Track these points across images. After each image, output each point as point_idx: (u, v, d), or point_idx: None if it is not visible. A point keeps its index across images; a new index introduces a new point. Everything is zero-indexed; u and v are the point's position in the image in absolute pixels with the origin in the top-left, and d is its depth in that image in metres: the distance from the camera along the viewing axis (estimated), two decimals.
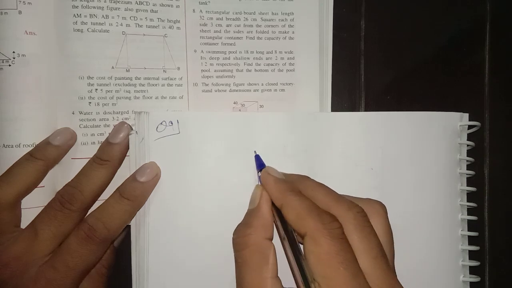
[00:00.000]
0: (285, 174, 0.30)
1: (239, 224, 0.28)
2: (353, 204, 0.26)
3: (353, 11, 0.39)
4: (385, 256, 0.25)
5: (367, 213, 0.26)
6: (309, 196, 0.27)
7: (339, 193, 0.28)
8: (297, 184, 0.28)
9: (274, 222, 0.28)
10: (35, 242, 0.29)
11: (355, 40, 0.39)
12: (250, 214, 0.28)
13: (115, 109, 0.34)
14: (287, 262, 0.27)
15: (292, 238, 0.27)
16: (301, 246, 0.26)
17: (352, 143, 0.35)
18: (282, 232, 0.27)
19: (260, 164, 0.32)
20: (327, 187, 0.28)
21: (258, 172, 0.31)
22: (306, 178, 0.30)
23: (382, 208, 0.28)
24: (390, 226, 0.28)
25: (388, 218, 0.28)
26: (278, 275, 0.26)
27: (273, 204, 0.28)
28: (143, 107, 0.35)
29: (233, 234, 0.28)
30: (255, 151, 0.33)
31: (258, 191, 0.29)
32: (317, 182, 0.29)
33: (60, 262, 0.29)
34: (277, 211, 0.28)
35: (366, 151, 0.35)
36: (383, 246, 0.26)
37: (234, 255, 0.28)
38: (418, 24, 0.40)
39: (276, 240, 0.28)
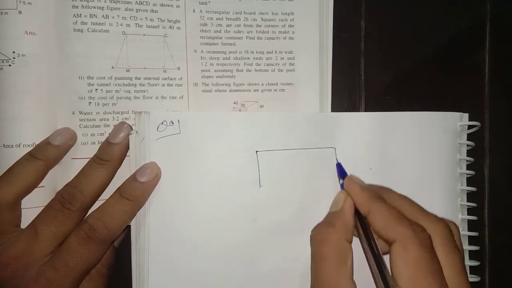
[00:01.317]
0: (366, 184, 0.31)
1: (319, 223, 0.29)
2: (439, 218, 0.28)
3: (353, 11, 0.39)
4: (466, 273, 0.26)
5: None
6: (394, 205, 0.28)
7: None
8: (380, 193, 0.29)
9: (356, 228, 0.29)
10: (35, 242, 0.29)
11: (355, 40, 0.39)
12: (333, 215, 0.29)
13: (115, 109, 0.34)
14: (368, 267, 0.28)
15: (374, 244, 0.28)
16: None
17: (352, 143, 0.35)
18: (364, 238, 0.28)
19: (342, 172, 0.33)
20: (410, 199, 0.29)
21: (340, 180, 0.32)
22: (389, 189, 0.31)
23: (457, 228, 0.29)
24: (462, 246, 0.29)
25: (461, 239, 0.29)
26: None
27: (356, 211, 0.29)
28: (143, 107, 0.34)
29: (312, 231, 0.29)
30: (336, 159, 0.34)
31: (342, 196, 0.30)
32: (400, 194, 0.30)
33: (60, 262, 0.29)
34: (359, 218, 0.29)
35: (366, 151, 0.35)
36: None
37: (312, 251, 0.29)
38: (418, 24, 0.40)
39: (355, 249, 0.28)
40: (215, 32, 0.36)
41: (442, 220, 0.28)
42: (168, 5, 0.35)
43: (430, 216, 0.28)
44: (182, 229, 0.32)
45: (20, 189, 0.30)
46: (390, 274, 0.26)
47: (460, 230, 0.36)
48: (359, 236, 0.29)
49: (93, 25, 0.33)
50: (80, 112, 0.33)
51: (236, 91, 0.37)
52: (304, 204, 0.34)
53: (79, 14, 0.33)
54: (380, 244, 0.28)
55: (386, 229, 0.27)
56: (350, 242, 0.28)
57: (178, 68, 0.36)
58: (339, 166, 0.34)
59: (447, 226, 0.27)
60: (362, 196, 0.29)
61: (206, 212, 0.33)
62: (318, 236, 0.28)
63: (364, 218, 0.29)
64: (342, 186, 0.32)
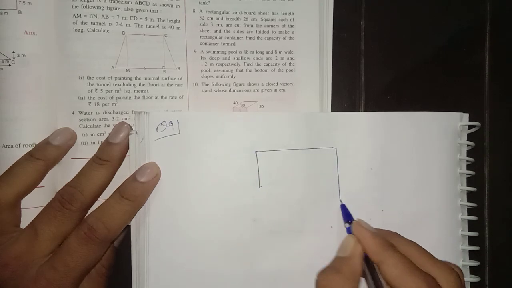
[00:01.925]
0: (376, 229, 0.31)
1: (326, 267, 0.29)
2: (450, 268, 0.27)
3: (353, 11, 0.39)
4: None
5: None
6: (404, 253, 0.28)
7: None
8: (389, 240, 0.29)
9: (365, 275, 0.29)
10: (35, 242, 0.29)
11: (355, 40, 0.39)
12: (340, 261, 0.29)
13: (115, 109, 0.34)
14: None
15: None
16: None
17: (352, 143, 0.35)
18: (373, 286, 0.28)
19: (347, 215, 0.32)
20: (419, 245, 0.29)
21: (345, 224, 0.32)
22: (397, 235, 0.30)
23: (462, 273, 0.29)
24: None
25: (464, 283, 0.29)
26: None
27: (366, 258, 0.29)
28: (143, 107, 0.34)
29: (318, 276, 0.28)
30: (340, 200, 0.34)
31: (351, 241, 0.29)
32: (408, 240, 0.30)
33: (60, 262, 0.29)
34: (368, 265, 0.28)
35: (366, 151, 0.35)
36: None
37: None
38: (418, 24, 0.40)
39: None
40: (215, 32, 0.36)
41: (452, 270, 0.27)
42: (168, 5, 0.35)
43: (440, 265, 0.28)
44: (182, 229, 0.32)
45: (20, 189, 0.30)
46: None
47: (460, 230, 0.36)
48: (367, 284, 0.29)
49: (93, 25, 0.33)
50: (80, 112, 0.33)
51: (236, 91, 0.37)
52: (304, 204, 0.34)
53: (79, 14, 0.33)
54: None
55: (399, 280, 0.26)
56: None
57: (178, 68, 0.36)
58: (343, 208, 0.33)
59: (458, 276, 0.27)
60: (374, 244, 0.28)
61: (206, 212, 0.33)
62: (324, 281, 0.28)
63: (374, 266, 0.28)
64: (348, 230, 0.31)
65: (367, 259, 0.29)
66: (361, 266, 0.28)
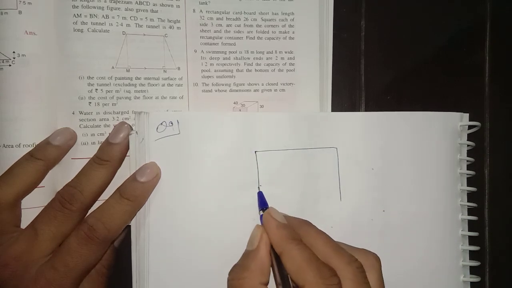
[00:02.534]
0: (286, 217, 0.30)
1: (235, 265, 0.28)
2: (352, 258, 0.27)
3: (353, 11, 0.39)
4: None
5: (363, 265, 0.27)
6: (309, 244, 0.27)
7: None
8: (298, 230, 0.28)
9: (272, 266, 0.28)
10: (35, 242, 0.29)
11: (355, 40, 0.39)
12: (248, 256, 0.28)
13: (115, 109, 0.34)
14: None
15: (288, 285, 0.27)
16: None
17: (352, 143, 0.35)
18: (279, 279, 0.27)
19: (262, 203, 0.31)
20: (327, 236, 0.28)
21: (260, 211, 0.31)
22: (308, 224, 0.30)
23: (377, 261, 0.28)
24: (383, 280, 0.28)
25: (381, 272, 0.28)
26: None
27: (272, 248, 0.28)
28: (143, 107, 0.34)
29: (229, 275, 0.28)
30: (259, 187, 0.33)
31: (258, 233, 0.29)
32: (318, 229, 0.29)
33: (60, 262, 0.29)
34: (276, 256, 0.28)
35: (366, 151, 0.35)
36: None
37: None
38: (418, 24, 0.40)
39: (271, 285, 0.28)
40: (215, 32, 0.36)
41: (354, 260, 0.26)
42: (168, 5, 0.35)
43: (343, 256, 0.27)
44: (182, 229, 0.32)
45: (20, 189, 0.30)
46: None
47: (460, 230, 0.36)
48: (273, 275, 0.28)
49: (93, 25, 0.33)
50: (80, 112, 0.33)
51: (236, 91, 0.37)
52: (303, 204, 0.34)
53: (79, 14, 0.33)
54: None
55: (297, 274, 0.26)
56: (267, 283, 0.27)
57: (178, 68, 0.36)
58: (260, 195, 0.32)
59: (360, 266, 0.26)
60: (277, 235, 0.28)
61: (206, 212, 0.33)
62: (232, 281, 0.27)
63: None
64: (261, 218, 0.30)
65: (274, 250, 0.28)
66: (269, 258, 0.28)
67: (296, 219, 0.30)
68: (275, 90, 0.37)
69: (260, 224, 0.30)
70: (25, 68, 0.32)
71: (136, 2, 0.34)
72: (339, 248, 0.27)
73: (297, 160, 0.34)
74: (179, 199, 0.32)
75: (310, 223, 0.30)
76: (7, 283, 0.29)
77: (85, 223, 0.30)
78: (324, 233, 0.29)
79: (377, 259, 0.28)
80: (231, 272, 0.28)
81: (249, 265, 0.27)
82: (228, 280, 0.28)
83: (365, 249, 0.29)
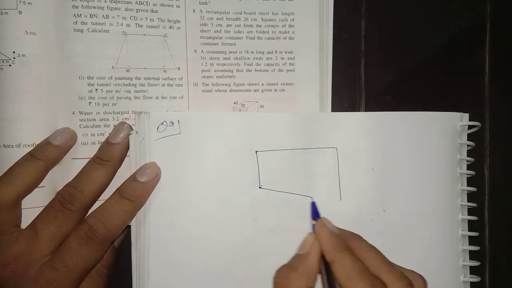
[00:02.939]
0: (339, 229, 0.30)
1: (283, 265, 0.29)
2: (403, 275, 0.27)
3: (353, 11, 0.39)
4: None
5: None
6: (360, 257, 0.27)
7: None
8: (349, 242, 0.29)
9: (320, 273, 0.29)
10: (35, 242, 0.29)
11: (355, 40, 0.39)
12: (297, 259, 0.29)
13: (115, 109, 0.34)
14: None
15: None
16: None
17: (353, 143, 0.35)
18: (327, 286, 0.28)
19: (315, 212, 0.32)
20: (378, 251, 0.29)
21: (312, 220, 0.31)
22: (359, 237, 0.30)
23: (424, 284, 0.29)
24: None
25: None
26: None
27: (322, 256, 0.28)
28: (143, 107, 0.34)
29: (276, 273, 0.28)
30: (311, 198, 0.33)
31: (310, 239, 0.29)
32: (369, 244, 0.29)
33: (60, 262, 0.29)
34: (325, 264, 0.28)
35: (366, 151, 0.35)
36: None
37: None
38: (418, 24, 0.40)
39: None
40: (215, 32, 0.36)
41: (405, 277, 0.27)
42: (168, 5, 0.35)
43: (394, 272, 0.27)
44: (182, 229, 0.32)
45: (20, 189, 0.30)
46: None
47: (460, 230, 0.36)
48: (322, 282, 0.29)
49: (93, 25, 0.33)
50: (80, 112, 0.33)
51: (236, 91, 0.37)
52: (304, 204, 0.34)
53: (79, 14, 0.33)
54: None
55: (347, 283, 0.26)
56: None
57: (178, 68, 0.36)
58: (313, 206, 0.32)
59: (410, 283, 0.27)
60: (329, 243, 0.28)
61: (206, 212, 0.33)
62: (279, 279, 0.28)
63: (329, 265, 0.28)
64: (313, 227, 0.31)
65: (324, 258, 0.28)
66: (318, 265, 0.28)
67: (348, 231, 0.31)
68: (275, 90, 0.37)
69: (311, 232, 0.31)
70: (25, 68, 0.32)
71: (136, 2, 0.34)
72: (391, 263, 0.28)
73: (297, 160, 0.34)
74: (179, 199, 0.32)
75: (362, 237, 0.30)
76: (7, 283, 0.29)
77: (85, 223, 0.30)
78: (376, 248, 0.29)
79: (424, 281, 0.29)
80: (278, 271, 0.28)
81: (298, 266, 0.28)
82: (275, 278, 0.28)
83: (413, 271, 0.29)
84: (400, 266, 0.29)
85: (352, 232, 0.31)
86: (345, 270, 0.26)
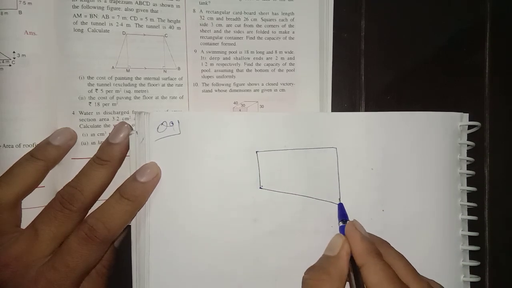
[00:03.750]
0: (369, 234, 0.30)
1: (313, 266, 0.29)
2: (431, 286, 0.28)
3: (353, 11, 0.39)
4: None
5: None
6: (389, 264, 0.28)
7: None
8: (378, 247, 0.29)
9: (349, 276, 0.29)
10: (35, 242, 0.29)
11: (355, 40, 0.39)
12: (328, 261, 0.29)
13: (115, 109, 0.34)
14: None
15: None
16: None
17: (353, 143, 0.35)
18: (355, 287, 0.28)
19: (342, 214, 0.32)
20: (406, 260, 0.29)
21: (340, 222, 0.32)
22: (388, 244, 0.30)
23: None
24: None
25: None
26: None
27: (351, 259, 0.29)
28: (143, 107, 0.34)
29: (306, 274, 0.28)
30: (339, 199, 0.33)
31: (340, 241, 0.29)
32: (398, 252, 0.30)
33: (61, 262, 0.29)
34: (353, 267, 0.28)
35: (366, 151, 0.35)
36: None
37: None
38: (418, 24, 0.40)
39: None
40: (215, 32, 0.36)
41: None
42: (168, 5, 0.35)
43: (422, 283, 0.28)
44: (182, 229, 0.32)
45: (20, 189, 0.30)
46: None
47: (460, 230, 0.36)
48: (350, 285, 0.29)
49: (93, 25, 0.33)
50: (80, 112, 0.33)
51: (236, 91, 0.37)
52: (304, 204, 0.34)
53: (79, 14, 0.33)
54: None
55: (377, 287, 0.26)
56: None
57: (178, 68, 0.36)
58: (340, 207, 0.33)
59: None
60: (360, 247, 0.28)
61: (206, 212, 0.33)
62: (310, 281, 0.28)
63: (358, 268, 0.28)
64: (341, 228, 0.31)
65: (353, 261, 0.29)
66: (347, 267, 0.28)
67: (377, 237, 0.31)
68: (275, 90, 0.37)
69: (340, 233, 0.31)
70: (25, 68, 0.32)
71: (136, 2, 0.34)
72: (418, 274, 0.28)
73: (297, 160, 0.34)
74: (180, 199, 0.32)
75: (390, 244, 0.31)
76: (7, 283, 0.29)
77: (85, 223, 0.30)
78: (404, 257, 0.29)
79: None
80: (308, 272, 0.28)
81: (329, 269, 0.28)
82: (305, 279, 0.28)
83: (434, 281, 0.29)
84: (424, 277, 0.29)
85: (381, 238, 0.31)
86: (376, 276, 0.27)
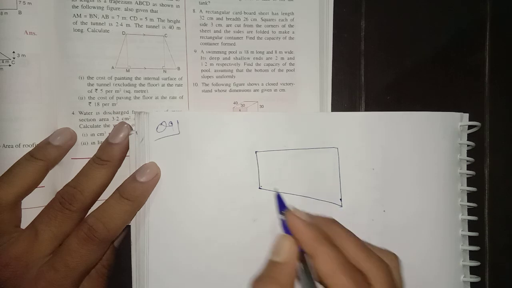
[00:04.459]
0: (310, 216, 0.29)
1: (261, 275, 0.27)
2: (383, 262, 0.27)
3: (353, 11, 0.39)
4: None
5: None
6: (339, 246, 0.27)
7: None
8: (325, 229, 0.28)
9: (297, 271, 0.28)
10: (35, 242, 0.29)
11: (355, 40, 0.39)
12: (276, 268, 0.27)
13: (115, 109, 0.34)
14: None
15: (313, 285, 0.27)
16: None
17: (353, 143, 0.35)
18: (304, 278, 0.27)
19: (281, 205, 0.30)
20: (356, 237, 0.28)
21: (280, 215, 0.29)
22: (334, 223, 0.29)
23: (397, 261, 0.29)
24: (402, 278, 0.28)
25: (400, 271, 0.28)
26: None
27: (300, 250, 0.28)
28: (143, 107, 0.34)
29: (254, 284, 0.26)
30: (276, 188, 0.32)
31: (286, 244, 0.27)
32: (346, 229, 0.28)
33: (60, 262, 0.29)
34: (301, 257, 0.27)
35: (366, 151, 0.35)
36: None
37: None
38: (418, 24, 0.40)
39: None
40: (215, 32, 0.36)
41: (384, 264, 0.27)
42: (168, 5, 0.35)
43: (373, 260, 0.27)
44: (182, 229, 0.32)
45: (20, 189, 0.30)
46: None
47: (460, 230, 0.36)
48: (300, 278, 0.27)
49: (93, 25, 0.33)
50: (80, 112, 0.33)
51: (236, 91, 0.37)
52: (304, 205, 0.34)
53: (79, 14, 0.33)
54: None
55: (329, 277, 0.25)
56: None
57: (178, 68, 0.36)
58: (278, 198, 0.31)
59: (388, 270, 0.27)
60: (307, 236, 0.27)
61: (206, 212, 0.33)
62: None
63: (306, 261, 0.27)
64: (283, 223, 0.29)
65: (301, 252, 0.27)
66: (296, 270, 0.27)
67: (320, 217, 0.29)
68: (275, 90, 0.37)
69: (281, 229, 0.29)
70: (25, 68, 0.32)
71: (136, 2, 0.34)
72: (369, 251, 0.27)
73: (297, 160, 0.34)
74: (179, 199, 0.32)
75: (336, 222, 0.29)
76: (7, 283, 0.29)
77: (85, 223, 0.30)
78: (353, 234, 0.28)
79: (397, 258, 0.29)
80: (257, 282, 0.27)
81: (279, 278, 0.26)
82: None
83: (387, 250, 0.29)
84: (375, 247, 0.28)
85: (325, 217, 0.29)
86: (327, 265, 0.26)
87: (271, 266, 0.27)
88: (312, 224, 0.28)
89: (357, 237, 0.28)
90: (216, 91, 0.36)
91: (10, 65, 0.32)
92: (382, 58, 0.39)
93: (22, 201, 0.31)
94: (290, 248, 0.27)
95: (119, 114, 0.34)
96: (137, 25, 0.34)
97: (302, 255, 0.27)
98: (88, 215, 0.30)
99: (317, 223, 0.28)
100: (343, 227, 0.29)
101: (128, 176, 0.31)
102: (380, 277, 0.26)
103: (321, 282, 0.26)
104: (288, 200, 0.34)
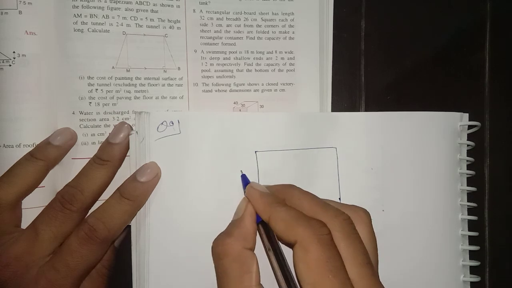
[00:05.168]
0: (268, 187, 0.30)
1: (219, 234, 0.28)
2: (339, 211, 0.27)
3: (353, 11, 0.39)
4: (371, 264, 0.25)
5: (352, 220, 0.27)
6: (295, 205, 0.27)
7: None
8: (282, 195, 0.29)
9: (260, 235, 0.28)
10: (35, 242, 0.29)
11: (355, 40, 0.39)
12: (233, 224, 0.29)
13: (115, 109, 0.34)
14: (274, 275, 0.27)
15: (278, 250, 0.27)
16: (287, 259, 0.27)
17: (352, 143, 0.35)
18: (268, 244, 0.27)
19: (246, 183, 0.32)
20: (312, 194, 0.29)
21: (244, 191, 0.31)
22: (290, 187, 0.30)
23: (366, 215, 0.28)
24: (374, 233, 0.28)
25: (372, 226, 0.28)
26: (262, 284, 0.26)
27: (261, 220, 0.28)
28: (143, 107, 0.34)
29: (213, 243, 0.28)
30: (241, 171, 0.33)
31: (243, 204, 0.29)
32: (302, 190, 0.29)
33: (61, 262, 0.29)
34: (263, 225, 0.28)
35: (366, 151, 0.35)
36: (368, 254, 0.26)
37: (214, 265, 0.28)
38: (418, 24, 0.40)
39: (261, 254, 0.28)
40: (215, 32, 0.36)
41: (341, 213, 0.26)
42: (168, 5, 0.35)
43: (329, 210, 0.27)
44: (182, 228, 0.32)
45: (20, 189, 0.30)
46: (296, 281, 0.25)
47: (460, 230, 0.36)
48: (263, 245, 0.28)
49: (93, 25, 0.33)
50: (80, 112, 0.33)
51: (236, 91, 0.37)
52: None
53: (79, 14, 0.33)
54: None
55: (287, 233, 0.25)
56: (252, 249, 0.27)
57: (178, 68, 0.36)
58: (243, 177, 0.33)
59: (347, 218, 0.26)
60: (261, 203, 0.28)
61: (206, 212, 0.33)
62: (216, 248, 0.27)
63: (268, 225, 0.28)
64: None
65: (262, 222, 0.28)
66: (253, 226, 0.28)
67: (279, 185, 0.30)
68: (275, 90, 0.37)
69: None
70: (25, 68, 0.32)
71: (136, 2, 0.34)
72: (325, 204, 0.27)
73: (297, 160, 0.34)
74: (180, 199, 0.32)
75: (294, 186, 0.30)
76: (8, 283, 0.29)
77: (86, 223, 0.30)
78: (309, 193, 0.29)
79: (366, 213, 0.28)
80: (215, 241, 0.28)
81: (233, 231, 0.28)
82: (212, 248, 0.28)
83: (354, 205, 0.29)
84: (340, 203, 0.29)
85: (283, 184, 0.30)
86: (282, 222, 0.26)
87: (229, 224, 0.29)
88: (267, 193, 0.29)
89: (314, 195, 0.28)
90: (216, 91, 0.36)
91: (10, 65, 0.32)
92: (382, 58, 0.39)
93: (22, 201, 0.31)
94: (245, 206, 0.29)
95: (120, 114, 0.34)
96: (137, 25, 0.34)
97: (265, 225, 0.28)
98: (89, 215, 0.30)
99: (274, 191, 0.29)
100: (300, 189, 0.29)
101: (128, 176, 0.31)
102: (335, 224, 0.26)
103: (286, 244, 0.26)
104: None
